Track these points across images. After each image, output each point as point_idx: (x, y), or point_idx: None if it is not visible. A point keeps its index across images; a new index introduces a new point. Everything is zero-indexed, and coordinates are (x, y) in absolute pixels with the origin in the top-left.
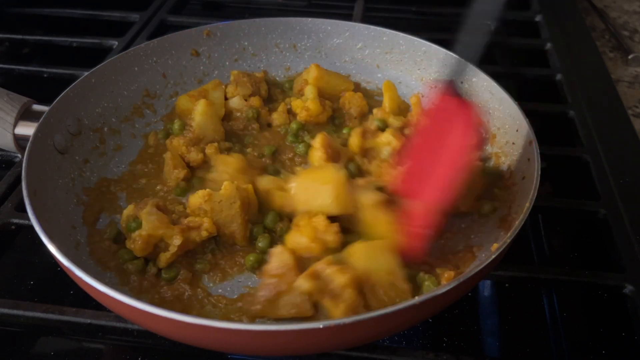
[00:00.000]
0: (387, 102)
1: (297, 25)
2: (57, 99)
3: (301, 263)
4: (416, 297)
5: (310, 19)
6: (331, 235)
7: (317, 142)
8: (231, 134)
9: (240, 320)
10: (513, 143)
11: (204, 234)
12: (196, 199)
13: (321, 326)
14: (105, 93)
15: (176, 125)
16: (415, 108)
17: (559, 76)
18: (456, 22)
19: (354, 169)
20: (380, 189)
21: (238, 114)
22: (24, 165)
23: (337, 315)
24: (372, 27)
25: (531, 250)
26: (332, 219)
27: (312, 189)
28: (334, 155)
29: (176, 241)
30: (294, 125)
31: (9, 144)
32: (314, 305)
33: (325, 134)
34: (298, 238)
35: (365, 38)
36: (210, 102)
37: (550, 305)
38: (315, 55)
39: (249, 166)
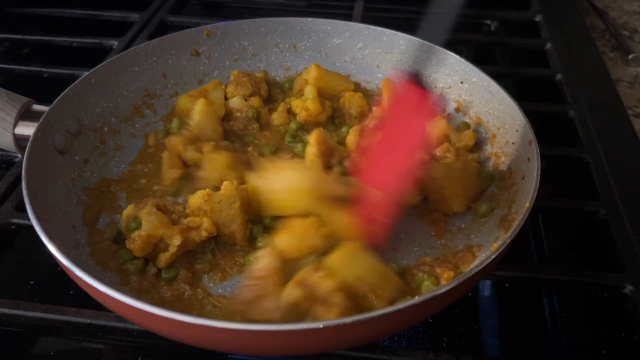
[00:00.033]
0: (386, 100)
1: (297, 25)
2: (57, 99)
3: (287, 266)
4: (416, 297)
5: (310, 19)
6: (318, 238)
7: (312, 138)
8: (231, 133)
9: (240, 320)
10: (513, 143)
11: (204, 234)
12: (196, 199)
13: (321, 326)
14: (105, 93)
15: (174, 123)
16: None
17: (559, 76)
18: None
19: (343, 170)
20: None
21: (238, 114)
22: (24, 165)
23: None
24: (372, 27)
25: (531, 250)
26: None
27: (282, 190)
28: (327, 153)
29: (176, 241)
30: (293, 125)
31: (9, 144)
32: (301, 315)
33: (322, 130)
34: (285, 240)
35: (365, 38)
36: (210, 101)
37: (550, 305)
38: (315, 55)
39: (238, 163)
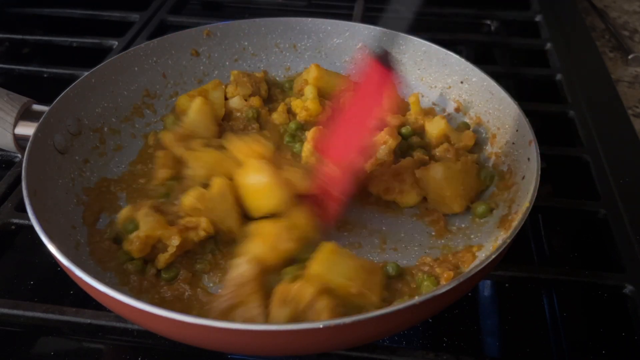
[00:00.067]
0: (385, 100)
1: (297, 25)
2: (57, 99)
3: (265, 273)
4: (416, 297)
5: (310, 19)
6: (288, 242)
7: (310, 135)
8: (231, 133)
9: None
10: (513, 143)
11: (202, 233)
12: (189, 198)
13: (321, 326)
14: (105, 93)
15: (169, 119)
16: (414, 107)
17: (559, 76)
18: (456, 22)
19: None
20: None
21: (238, 114)
22: (24, 165)
23: None
24: (372, 27)
25: (531, 250)
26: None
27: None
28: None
29: (174, 242)
30: (292, 125)
31: (9, 144)
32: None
33: (320, 128)
34: (258, 247)
35: (365, 38)
36: (207, 100)
37: (550, 305)
38: (315, 55)
39: (226, 160)
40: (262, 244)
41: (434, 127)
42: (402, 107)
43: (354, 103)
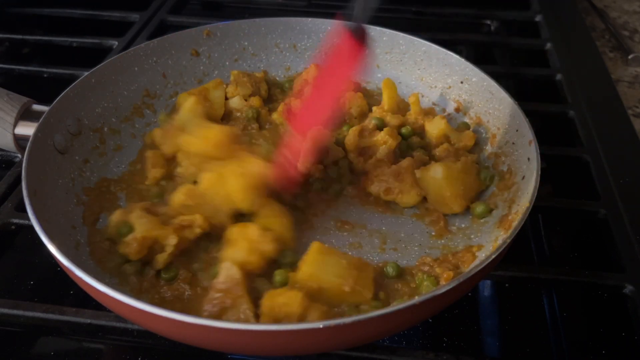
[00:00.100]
0: (385, 100)
1: (297, 25)
2: (57, 99)
3: (249, 277)
4: (416, 297)
5: (310, 19)
6: (267, 244)
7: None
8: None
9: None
10: (513, 143)
11: (197, 230)
12: (178, 195)
13: (321, 326)
14: (105, 93)
15: (161, 116)
16: (414, 107)
17: (559, 76)
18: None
19: (334, 172)
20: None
21: (238, 114)
22: (24, 165)
23: None
24: (372, 27)
25: (531, 250)
26: None
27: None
28: (322, 151)
29: (172, 241)
30: None
31: (9, 144)
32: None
33: (320, 128)
34: (234, 253)
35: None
36: (201, 100)
37: (550, 305)
38: (315, 55)
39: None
40: (240, 249)
41: (434, 127)
42: (402, 107)
43: (324, 74)
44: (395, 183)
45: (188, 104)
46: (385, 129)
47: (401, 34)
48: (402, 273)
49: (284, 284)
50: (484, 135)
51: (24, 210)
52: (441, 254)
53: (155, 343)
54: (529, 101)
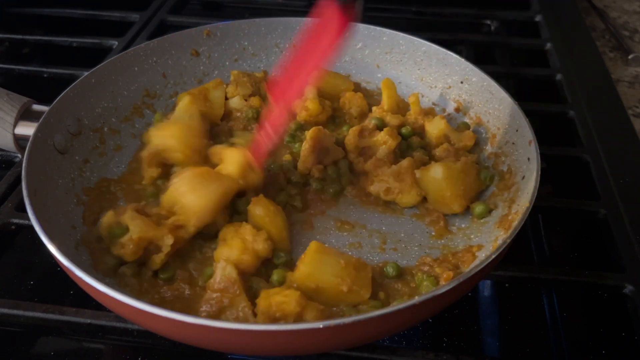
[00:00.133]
0: (385, 100)
1: (297, 25)
2: (57, 99)
3: (244, 276)
4: (416, 297)
5: (310, 19)
6: (260, 243)
7: (309, 134)
8: (231, 133)
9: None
10: (513, 143)
11: (192, 229)
12: (169, 195)
13: (321, 326)
14: (105, 93)
15: (157, 116)
16: (414, 107)
17: (559, 76)
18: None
19: (334, 172)
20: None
21: (238, 114)
22: (24, 165)
23: None
24: (372, 27)
25: (531, 250)
26: None
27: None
28: (322, 151)
29: (168, 241)
30: (292, 125)
31: (9, 144)
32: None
33: (321, 128)
34: (227, 252)
35: (365, 38)
36: (197, 100)
37: (550, 305)
38: None
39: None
40: (233, 248)
41: (434, 127)
42: (402, 107)
43: (307, 44)
44: (395, 183)
45: (182, 103)
46: (385, 129)
47: (401, 34)
48: (402, 273)
49: (282, 283)
50: (484, 135)
51: (24, 210)
52: (441, 254)
53: (155, 343)
54: (529, 101)
